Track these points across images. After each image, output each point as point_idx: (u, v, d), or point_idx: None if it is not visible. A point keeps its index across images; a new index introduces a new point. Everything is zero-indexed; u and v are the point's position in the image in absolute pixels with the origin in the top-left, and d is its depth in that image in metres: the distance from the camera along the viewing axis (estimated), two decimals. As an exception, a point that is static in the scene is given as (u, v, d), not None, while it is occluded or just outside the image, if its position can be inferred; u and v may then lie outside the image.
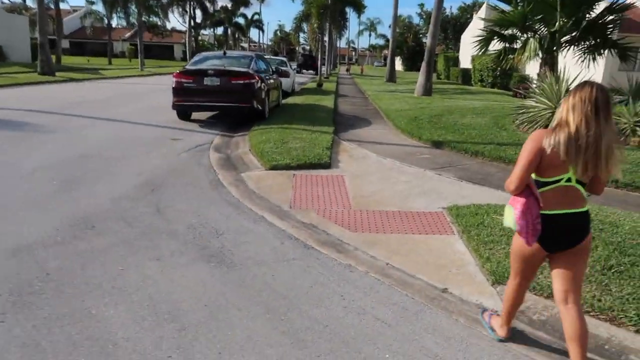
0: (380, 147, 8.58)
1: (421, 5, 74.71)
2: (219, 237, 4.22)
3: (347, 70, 53.34)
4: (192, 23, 47.77)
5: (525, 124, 9.73)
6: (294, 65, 47.70)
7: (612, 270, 3.51)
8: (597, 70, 12.89)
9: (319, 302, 3.18)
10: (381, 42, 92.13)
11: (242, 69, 10.30)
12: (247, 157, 7.53)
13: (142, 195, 5.33)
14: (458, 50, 45.03)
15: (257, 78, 10.19)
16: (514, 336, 2.88)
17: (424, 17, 72.12)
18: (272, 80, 12.34)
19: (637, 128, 8.14)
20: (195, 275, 3.48)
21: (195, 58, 11.46)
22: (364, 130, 10.58)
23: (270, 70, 12.56)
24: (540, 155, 2.25)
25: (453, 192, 5.94)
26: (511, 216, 2.37)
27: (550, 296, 3.27)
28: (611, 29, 10.07)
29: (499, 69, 25.68)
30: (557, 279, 2.45)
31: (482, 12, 35.98)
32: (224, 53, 11.38)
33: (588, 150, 2.17)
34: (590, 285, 3.33)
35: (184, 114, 10.79)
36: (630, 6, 9.83)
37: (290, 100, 15.98)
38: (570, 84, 9.39)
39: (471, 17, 47.42)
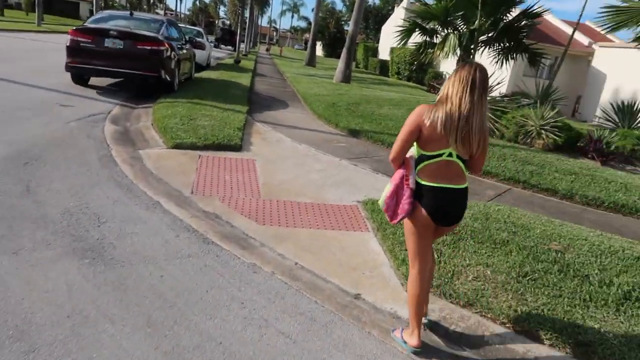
0: (296, 131, 8.16)
1: (345, -8, 74.91)
2: (100, 227, 3.56)
3: (267, 50, 52.06)
4: (102, -19, 43.75)
5: (440, 119, 9.80)
6: (212, 38, 45.81)
7: (527, 278, 3.39)
8: (506, 73, 13.45)
9: (215, 312, 2.71)
10: (303, 24, 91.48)
11: (150, 33, 9.28)
12: (149, 132, 6.75)
13: (9, 170, 4.44)
14: (378, 41, 45.70)
15: (166, 45, 9.25)
16: (430, 354, 2.62)
17: (347, 4, 72.59)
18: (184, 51, 11.38)
19: (543, 131, 8.47)
20: (61, 275, 2.83)
21: (98, 15, 10.18)
22: (280, 112, 10.08)
23: (184, 39, 11.58)
24: (420, 129, 2.35)
25: (368, 184, 5.69)
26: (384, 193, 2.55)
27: (466, 305, 3.08)
28: (525, 33, 10.42)
29: (415, 63, 26.28)
30: (425, 249, 2.62)
31: (404, 4, 36.67)
32: (131, 14, 10.21)
33: (461, 126, 2.29)
34: (507, 294, 3.17)
35: (79, 77, 9.56)
36: (543, 13, 10.20)
37: (205, 74, 15.01)
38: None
39: (392, 9, 48.30)
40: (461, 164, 2.43)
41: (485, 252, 3.76)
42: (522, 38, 10.48)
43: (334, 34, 57.12)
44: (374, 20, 60.17)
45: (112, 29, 8.84)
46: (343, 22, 63.45)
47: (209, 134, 6.50)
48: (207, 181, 5.03)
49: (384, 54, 36.93)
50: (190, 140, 6.16)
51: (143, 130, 6.85)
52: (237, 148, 6.38)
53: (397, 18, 36.97)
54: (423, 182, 2.43)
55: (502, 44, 10.68)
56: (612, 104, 10.52)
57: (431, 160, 2.39)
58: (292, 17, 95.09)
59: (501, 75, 10.51)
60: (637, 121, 10.18)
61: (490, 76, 7.91)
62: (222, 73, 15.63)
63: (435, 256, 3.37)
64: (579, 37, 22.29)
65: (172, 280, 2.97)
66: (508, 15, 10.43)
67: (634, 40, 10.39)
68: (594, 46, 21.93)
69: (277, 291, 3.07)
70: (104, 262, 3.04)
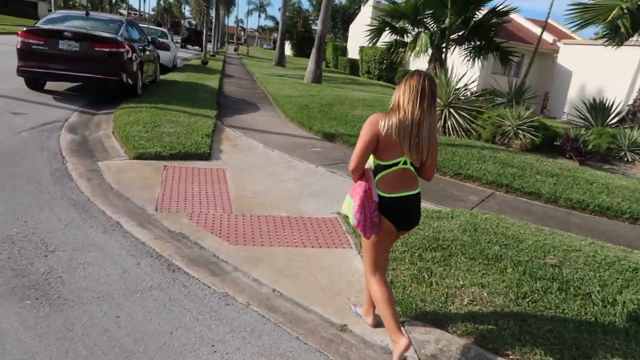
0: (268, 136, 7.76)
1: (312, -8, 74.55)
2: (48, 256, 3.10)
3: (235, 50, 51.16)
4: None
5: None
6: (178, 39, 44.76)
7: (527, 299, 3.12)
8: (475, 72, 13.38)
9: (181, 360, 2.32)
10: (270, 24, 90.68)
11: (108, 34, 8.72)
12: (109, 142, 6.25)
13: (-55, 190, 3.93)
14: (346, 40, 45.53)
15: (127, 47, 8.70)
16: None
17: (314, 3, 72.30)
18: (147, 52, 10.81)
19: (520, 131, 8.32)
20: (-5, 322, 2.39)
21: (51, 15, 9.53)
22: (251, 116, 9.66)
23: (146, 40, 11.01)
24: (377, 138, 2.36)
25: (346, 192, 5.35)
26: (350, 208, 2.51)
27: (464, 334, 2.77)
28: (494, 31, 10.30)
29: (385, 62, 26.20)
30: (386, 255, 2.68)
31: (369, 5, 36.60)
32: (87, 14, 9.58)
33: (413, 134, 2.34)
34: (508, 320, 2.88)
35: (34, 82, 8.92)
36: (511, 11, 10.10)
37: (170, 76, 14.41)
38: (457, 83, 9.42)
39: (359, 8, 48.25)
40: (414, 170, 2.48)
41: (479, 270, 3.47)
42: (493, 36, 10.36)
43: (302, 34, 56.65)
44: (342, 19, 60.00)
45: (67, 30, 8.24)
46: (311, 22, 63.05)
47: (175, 142, 6.06)
48: (173, 195, 4.61)
49: (353, 53, 36.78)
50: (155, 150, 5.70)
51: (103, 139, 6.35)
52: (205, 157, 5.95)
53: (365, 17, 36.84)
54: (383, 194, 2.45)
55: (473, 43, 10.54)
56: (584, 102, 10.50)
57: (388, 170, 2.42)
58: (259, 16, 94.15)
59: (474, 74, 10.38)
60: (610, 118, 10.19)
61: (464, 75, 7.71)
62: (189, 75, 15.06)
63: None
64: (544, 34, 22.58)
65: (131, 321, 2.56)
66: (478, 13, 10.30)
67: (600, 38, 10.44)
68: (558, 44, 22.25)
69: (253, 327, 2.70)
70: (49, 303, 2.61)
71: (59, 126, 6.77)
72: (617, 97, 11.54)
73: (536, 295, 3.18)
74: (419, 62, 13.73)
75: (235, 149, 6.71)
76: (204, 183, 5.09)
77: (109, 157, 5.60)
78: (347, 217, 2.70)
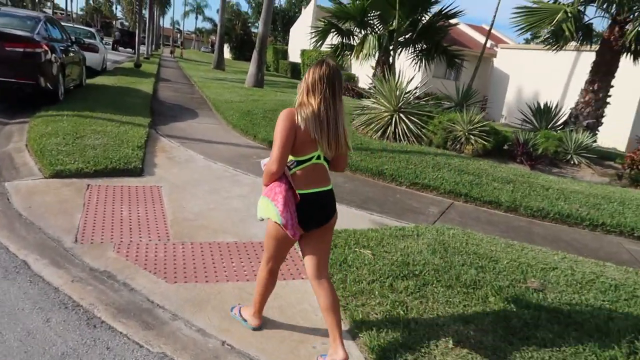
0: (208, 146, 7.09)
1: (250, -7, 73.49)
2: None
3: (172, 52, 49.24)
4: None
5: (364, 125, 9.22)
6: (110, 40, 42.45)
7: (518, 336, 2.73)
8: (418, 76, 13.28)
9: None
10: (208, 26, 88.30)
11: (23, 32, 7.71)
12: (21, 157, 5.37)
13: None
14: (287, 43, 45.04)
15: (45, 47, 7.72)
16: None
17: (253, 5, 71.28)
18: (71, 54, 9.79)
19: (472, 136, 8.15)
20: None
21: (-47, 12, 8.34)
22: (189, 123, 8.91)
23: (69, 40, 9.97)
24: (295, 133, 2.24)
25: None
26: (271, 209, 2.33)
27: None
28: (442, 34, 10.18)
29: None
30: (310, 257, 2.50)
31: (310, 8, 36.35)
32: (-3, 10, 8.51)
33: (331, 128, 2.25)
34: (502, 367, 2.47)
35: None
36: (458, 13, 10.01)
37: (99, 80, 13.29)
38: (406, 87, 9.16)
39: (300, 11, 47.95)
40: (326, 164, 2.39)
41: (459, 302, 3.06)
42: (440, 39, 10.22)
43: (241, 36, 55.54)
44: (282, 22, 59.40)
45: (-29, 28, 7.18)
46: (250, 24, 62.05)
47: (101, 156, 5.29)
48: (97, 222, 3.89)
49: (294, 56, 36.33)
50: (76, 166, 4.92)
51: (13, 154, 5.46)
52: (137, 172, 5.23)
53: (306, 19, 36.59)
54: (298, 191, 2.31)
55: (420, 46, 10.36)
56: (528, 106, 10.58)
57: (301, 166, 2.32)
58: (197, 18, 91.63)
59: (423, 78, 10.19)
60: (553, 121, 10.32)
61: (411, 79, 7.41)
62: (119, 78, 13.99)
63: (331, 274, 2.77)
64: (482, 39, 23.19)
65: (31, 413, 1.91)
66: (425, 16, 10.12)
67: (542, 41, 10.58)
68: (495, 48, 22.89)
69: (199, 402, 2.11)
70: None
71: (-41, 139, 5.81)
72: (553, 99, 11.79)
73: (527, 329, 2.80)
74: (359, 65, 13.48)
75: (172, 161, 6.00)
76: (136, 204, 4.40)
77: (19, 177, 4.75)
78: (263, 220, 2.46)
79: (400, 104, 8.74)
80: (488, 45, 23.55)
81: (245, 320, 2.75)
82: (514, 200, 5.88)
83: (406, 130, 8.57)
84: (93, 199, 4.37)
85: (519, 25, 9.52)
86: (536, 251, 4.26)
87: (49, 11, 59.84)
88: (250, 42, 53.19)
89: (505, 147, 8.76)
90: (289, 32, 46.03)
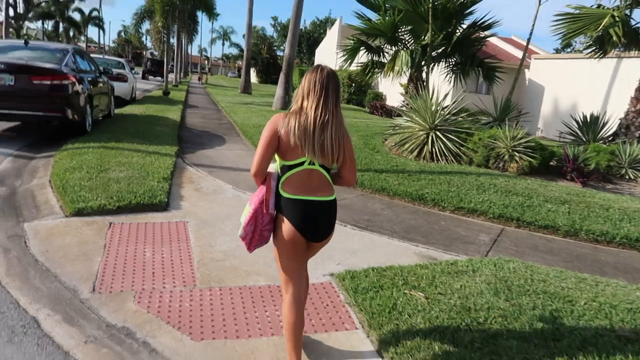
0: (237, 174, 6.76)
1: (274, 18, 74.68)
2: None
3: (199, 79, 50.17)
4: (13, 12, 40.42)
5: (398, 145, 8.76)
6: (140, 70, 43.45)
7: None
8: (448, 91, 12.78)
9: None
10: (235, 51, 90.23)
11: (50, 64, 7.63)
12: (43, 194, 5.13)
13: None
14: (312, 65, 45.17)
15: (72, 79, 7.63)
16: None
17: (278, 29, 72.34)
18: (100, 84, 9.76)
19: (516, 153, 7.58)
20: None
21: (-19, 47, 8.36)
22: (217, 150, 8.65)
23: (98, 71, 9.93)
24: (278, 138, 2.20)
25: (337, 244, 4.39)
26: (242, 215, 2.34)
27: None
28: (479, 46, 9.70)
29: (354, 85, 25.68)
30: (295, 265, 2.42)
31: (335, 28, 36.39)
32: (26, 43, 8.48)
33: (317, 136, 2.17)
34: None
35: (-39, 124, 7.76)
36: (494, 24, 9.53)
37: (128, 109, 13.30)
38: (441, 102, 8.69)
39: (324, 33, 48.19)
40: (325, 173, 2.28)
41: (540, 359, 2.54)
42: (476, 52, 9.74)
43: (267, 60, 56.27)
44: (307, 44, 59.95)
45: (-2, 62, 7.13)
46: (275, 48, 62.90)
47: (125, 191, 5.00)
48: (118, 266, 3.55)
49: (320, 77, 36.20)
50: (98, 202, 4.64)
51: (36, 192, 5.23)
52: (162, 207, 4.91)
53: (332, 40, 36.61)
54: (285, 195, 2.26)
55: (455, 59, 9.89)
56: (574, 118, 9.92)
57: (293, 171, 2.25)
58: (223, 44, 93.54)
59: (453, 92, 9.70)
60: (601, 133, 9.63)
61: (446, 95, 6.95)
62: (148, 107, 13.98)
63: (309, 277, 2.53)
64: (513, 51, 22.55)
65: None
66: (459, 28, 9.68)
67: (586, 49, 9.97)
68: (528, 59, 22.15)
69: None
70: None
71: (-18, 177, 5.64)
72: (593, 109, 11.10)
73: (631, 400, 2.27)
74: (392, 82, 13.06)
75: (199, 193, 5.68)
76: (160, 243, 4.05)
77: (39, 216, 4.49)
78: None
79: (436, 122, 8.26)
80: (520, 56, 22.92)
81: None
82: (573, 223, 5.29)
83: (444, 149, 8.07)
84: (115, 239, 4.05)
85: (560, 33, 8.98)
86: (613, 286, 3.69)
87: (83, 44, 62.03)
88: (276, 64, 53.77)
89: (553, 163, 8.14)
90: (314, 53, 46.23)
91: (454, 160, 8.05)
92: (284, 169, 2.27)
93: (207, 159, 7.60)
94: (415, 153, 8.28)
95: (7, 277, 3.28)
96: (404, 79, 10.78)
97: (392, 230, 4.91)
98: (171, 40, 29.95)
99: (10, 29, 39.07)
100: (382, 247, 4.47)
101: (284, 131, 2.17)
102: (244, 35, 32.89)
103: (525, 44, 25.16)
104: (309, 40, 60.37)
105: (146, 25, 33.09)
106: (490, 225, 5.43)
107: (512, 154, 7.60)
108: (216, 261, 3.81)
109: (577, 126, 9.67)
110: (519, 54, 22.70)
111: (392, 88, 21.40)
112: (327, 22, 59.00)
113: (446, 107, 8.57)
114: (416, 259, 4.16)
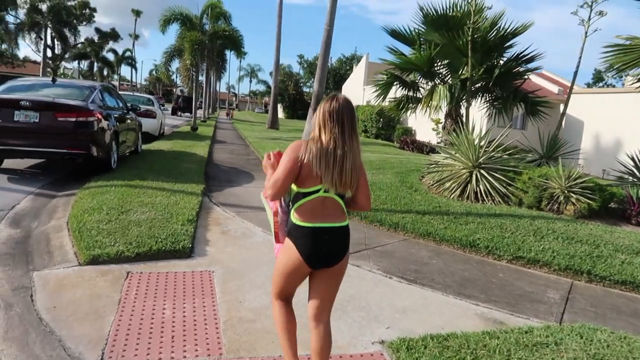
0: (266, 216, 6.24)
1: (300, 56, 75.97)
2: None
3: (227, 114, 50.86)
4: (51, 54, 42.00)
5: (438, 184, 8.16)
6: (170, 106, 44.25)
7: None
8: (482, 126, 12.19)
9: None
10: (262, 87, 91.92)
11: (75, 102, 7.40)
12: (58, 238, 4.71)
13: None
14: (339, 101, 45.20)
15: (97, 115, 7.36)
16: None
17: (305, 66, 73.45)
18: (128, 120, 9.56)
19: (572, 194, 6.88)
20: None
21: (11, 83, 8.17)
22: (245, 188, 8.19)
23: (125, 108, 9.74)
24: (300, 165, 2.19)
25: (384, 301, 3.81)
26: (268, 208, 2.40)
27: None
28: (522, 81, 9.16)
29: (382, 120, 25.30)
30: (315, 296, 2.39)
31: (362, 65, 36.49)
32: (54, 80, 8.33)
33: (335, 166, 2.18)
34: None
35: (-13, 160, 7.54)
36: (537, 56, 9.01)
37: (156, 145, 13.13)
38: (486, 139, 8.11)
39: (351, 69, 48.49)
40: (339, 200, 2.27)
41: None
42: (519, 86, 9.18)
43: (294, 96, 56.91)
44: (333, 80, 60.49)
45: (23, 99, 6.93)
46: (301, 84, 63.69)
47: (146, 235, 4.54)
48: (132, 328, 3.03)
49: (347, 113, 36.08)
50: (116, 249, 4.18)
51: (51, 235, 4.81)
52: (186, 253, 4.42)
53: (358, 76, 36.67)
54: (299, 223, 2.23)
55: (495, 93, 9.35)
56: (632, 157, 9.11)
57: (307, 198, 2.22)
58: (250, 81, 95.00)
59: (489, 127, 9.11)
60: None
61: (488, 131, 6.35)
62: (175, 143, 13.80)
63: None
64: (548, 85, 21.92)
65: None
66: (500, 61, 9.18)
67: (634, 82, 9.31)
68: (564, 94, 21.44)
69: None
70: None
71: None
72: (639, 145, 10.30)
73: None
74: (423, 117, 12.55)
75: (227, 236, 5.17)
76: (182, 298, 3.53)
77: (51, 264, 4.05)
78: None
79: (480, 159, 7.66)
80: (556, 91, 22.22)
81: None
82: (655, 278, 4.56)
83: (490, 189, 7.43)
84: (132, 292, 3.54)
85: (610, 65, 8.38)
86: None
87: (116, 83, 64.08)
88: (302, 100, 54.25)
89: (612, 205, 7.39)
90: (341, 89, 46.42)
91: (501, 201, 7.39)
92: (299, 196, 2.25)
93: (234, 198, 7.13)
94: (457, 192, 7.66)
95: (4, 342, 2.80)
96: (437, 114, 10.28)
97: (445, 284, 4.28)
98: (200, 78, 30.37)
99: (48, 69, 40.54)
100: (437, 305, 3.84)
101: (307, 160, 2.16)
102: (271, 73, 33.21)
103: (556, 79, 24.50)
104: (335, 76, 60.92)
105: (176, 64, 33.69)
106: (556, 279, 4.73)
107: (567, 195, 6.90)
108: (246, 322, 3.26)
109: (633, 164, 8.89)
110: (551, 87, 22.05)
111: (422, 123, 20.90)
112: (353, 59, 59.58)
113: (490, 143, 7.97)
114: (480, 323, 3.52)
